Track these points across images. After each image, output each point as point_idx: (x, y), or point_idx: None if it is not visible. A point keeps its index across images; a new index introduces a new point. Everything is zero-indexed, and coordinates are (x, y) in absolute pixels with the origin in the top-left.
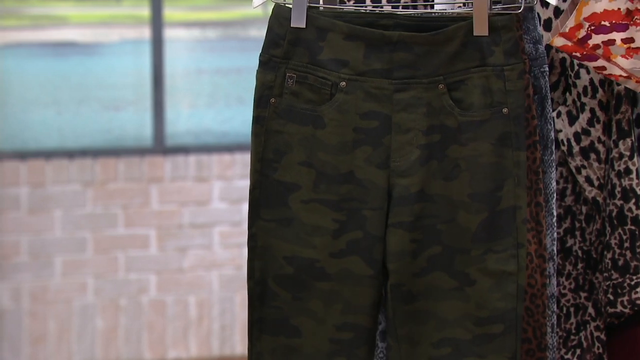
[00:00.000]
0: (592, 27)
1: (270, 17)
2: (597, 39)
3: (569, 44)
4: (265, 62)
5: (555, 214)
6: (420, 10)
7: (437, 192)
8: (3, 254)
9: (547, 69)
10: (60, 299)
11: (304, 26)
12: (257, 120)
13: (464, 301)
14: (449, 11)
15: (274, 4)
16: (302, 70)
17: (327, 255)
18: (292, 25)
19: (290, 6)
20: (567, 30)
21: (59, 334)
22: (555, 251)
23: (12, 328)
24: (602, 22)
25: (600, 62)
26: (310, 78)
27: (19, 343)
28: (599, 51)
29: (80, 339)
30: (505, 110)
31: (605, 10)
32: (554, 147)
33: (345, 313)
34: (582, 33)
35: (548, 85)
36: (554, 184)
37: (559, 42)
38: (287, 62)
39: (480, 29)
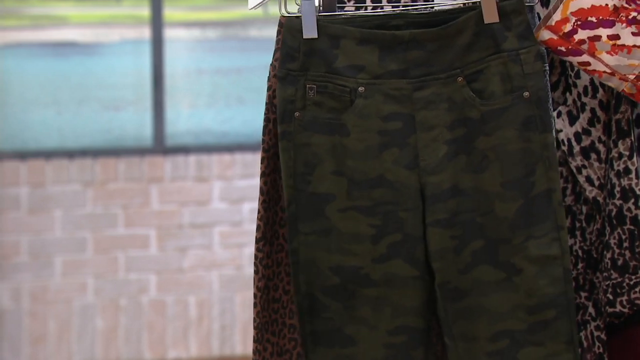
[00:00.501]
0: (579, 22)
1: (283, 30)
2: (582, 34)
3: (555, 37)
4: (284, 77)
5: None
6: (428, 4)
7: (469, 186)
8: (3, 254)
9: (547, 68)
10: (60, 299)
11: (317, 36)
12: (283, 135)
13: (514, 291)
14: (454, 3)
15: (274, 6)
16: (320, 80)
17: (370, 261)
18: (304, 37)
19: (299, 14)
20: (553, 23)
21: (59, 334)
22: None
23: (12, 328)
24: (589, 18)
25: (585, 58)
26: (330, 87)
27: (19, 343)
28: (584, 46)
29: (80, 339)
30: (526, 94)
31: (592, 5)
32: None
33: (396, 317)
34: (568, 27)
35: (548, 86)
36: None
37: (544, 35)
38: (305, 74)
39: (491, 16)
